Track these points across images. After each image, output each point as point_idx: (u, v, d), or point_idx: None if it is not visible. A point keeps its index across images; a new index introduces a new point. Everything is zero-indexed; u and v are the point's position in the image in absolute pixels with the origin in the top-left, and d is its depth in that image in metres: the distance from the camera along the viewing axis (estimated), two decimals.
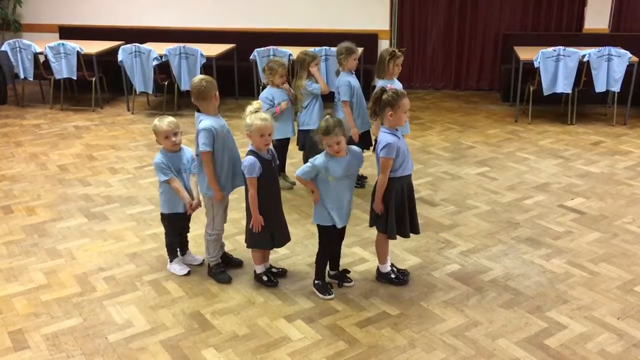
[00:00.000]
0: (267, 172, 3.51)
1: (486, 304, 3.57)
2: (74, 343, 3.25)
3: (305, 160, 5.09)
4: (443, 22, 8.35)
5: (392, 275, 3.79)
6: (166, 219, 3.86)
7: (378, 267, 3.84)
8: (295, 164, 5.37)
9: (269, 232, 3.61)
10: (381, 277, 3.81)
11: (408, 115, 3.57)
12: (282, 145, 5.11)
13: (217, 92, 3.69)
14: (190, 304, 3.60)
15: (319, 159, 3.44)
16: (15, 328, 3.37)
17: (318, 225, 3.60)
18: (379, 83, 4.75)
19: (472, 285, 3.76)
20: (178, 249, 4.00)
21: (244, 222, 4.47)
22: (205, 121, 3.60)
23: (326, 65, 7.10)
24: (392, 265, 3.84)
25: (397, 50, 4.77)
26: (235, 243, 4.28)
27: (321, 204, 3.50)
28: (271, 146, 3.56)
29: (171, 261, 3.96)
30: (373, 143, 4.95)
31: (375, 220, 3.67)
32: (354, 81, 4.95)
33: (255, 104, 3.53)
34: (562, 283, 3.78)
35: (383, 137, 3.47)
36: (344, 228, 3.65)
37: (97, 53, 7.64)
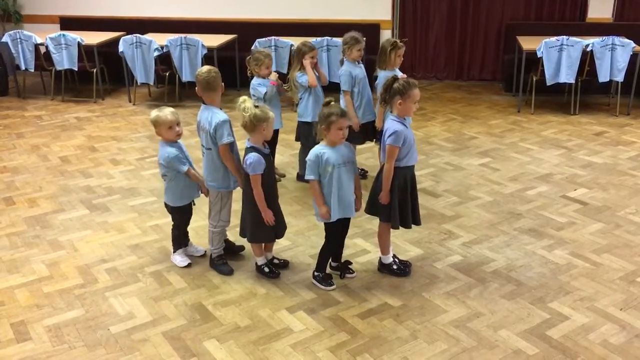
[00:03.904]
0: (268, 167, 3.52)
1: (488, 295, 3.56)
2: (76, 334, 3.25)
3: (304, 150, 5.10)
4: (445, 11, 8.30)
5: (394, 267, 3.78)
6: (180, 211, 3.86)
7: (380, 258, 3.83)
8: (296, 156, 5.36)
9: (270, 225, 3.60)
10: (383, 268, 3.81)
11: (417, 106, 3.55)
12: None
13: (222, 84, 3.70)
14: (192, 296, 3.60)
15: (316, 149, 3.41)
16: (17, 319, 3.38)
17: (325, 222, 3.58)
18: (381, 74, 4.72)
19: (474, 277, 3.75)
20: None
21: None
22: (221, 114, 3.61)
23: (328, 56, 7.08)
24: (394, 256, 3.84)
25: (398, 41, 4.73)
26: (237, 235, 4.26)
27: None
28: None
29: (174, 252, 3.97)
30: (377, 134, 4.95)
31: (377, 209, 3.65)
32: (357, 71, 4.90)
33: (250, 100, 3.48)
34: (565, 274, 3.77)
35: (391, 124, 3.45)
36: (348, 222, 3.65)
37: (98, 44, 7.62)
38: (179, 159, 3.68)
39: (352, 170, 3.50)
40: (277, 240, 3.86)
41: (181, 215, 3.90)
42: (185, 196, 3.82)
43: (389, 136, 3.43)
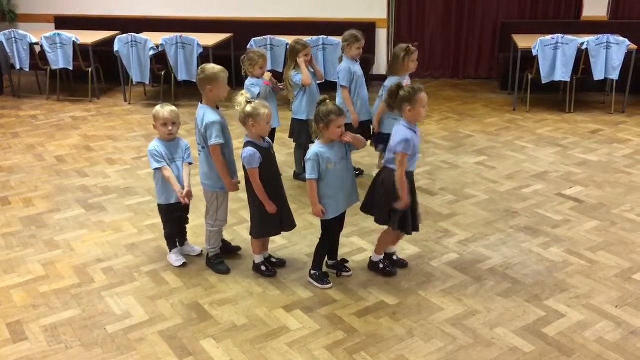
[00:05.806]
0: (267, 160, 3.51)
1: (484, 293, 3.57)
2: (73, 334, 3.25)
3: (298, 148, 5.11)
4: (441, 10, 8.31)
5: (381, 265, 3.77)
6: (162, 209, 3.85)
7: (371, 256, 3.82)
8: (292, 155, 5.36)
9: (277, 218, 3.60)
10: (371, 266, 3.80)
11: (426, 110, 3.55)
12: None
13: (221, 87, 3.58)
14: (188, 295, 3.60)
15: (315, 148, 3.41)
16: (13, 319, 3.37)
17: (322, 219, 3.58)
18: (391, 79, 4.67)
19: (470, 275, 3.76)
20: (177, 240, 3.99)
21: (241, 213, 4.50)
22: (211, 114, 3.57)
23: (324, 55, 7.08)
24: (392, 253, 3.83)
25: (411, 46, 4.70)
26: (234, 234, 4.28)
27: (323, 198, 3.47)
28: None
29: (170, 251, 3.96)
30: (372, 134, 4.95)
31: (389, 218, 3.55)
32: (356, 68, 4.92)
33: (246, 94, 3.50)
34: (561, 271, 3.78)
35: (401, 131, 3.44)
36: (343, 218, 3.65)
37: (93, 43, 7.60)
38: (153, 154, 3.66)
39: (348, 163, 3.52)
40: (274, 237, 3.86)
41: (163, 214, 3.86)
42: (168, 194, 3.74)
43: (399, 143, 3.41)
